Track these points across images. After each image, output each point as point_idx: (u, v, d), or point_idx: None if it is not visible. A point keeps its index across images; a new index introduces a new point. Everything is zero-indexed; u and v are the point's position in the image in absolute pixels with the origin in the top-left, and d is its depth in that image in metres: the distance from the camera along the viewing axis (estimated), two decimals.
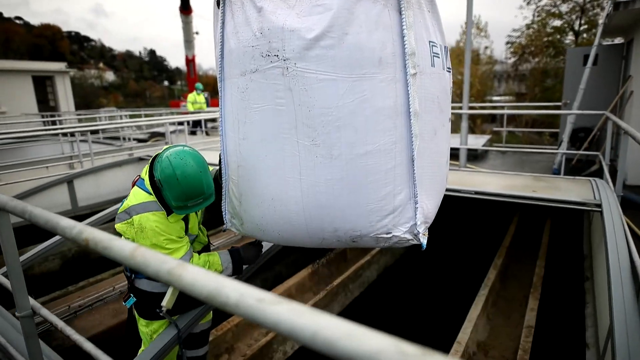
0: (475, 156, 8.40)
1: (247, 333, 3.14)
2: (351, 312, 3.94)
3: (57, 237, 2.86)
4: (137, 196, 1.76)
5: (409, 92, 1.57)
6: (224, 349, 2.93)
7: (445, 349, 2.92)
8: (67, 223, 0.94)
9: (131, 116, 14.94)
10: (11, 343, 1.65)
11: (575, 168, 6.44)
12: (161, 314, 1.80)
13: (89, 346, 1.17)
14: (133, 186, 1.84)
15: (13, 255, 1.35)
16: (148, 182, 1.78)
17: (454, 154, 7.50)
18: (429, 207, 1.74)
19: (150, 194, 1.76)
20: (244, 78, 1.69)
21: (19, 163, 6.69)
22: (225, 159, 1.89)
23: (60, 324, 1.29)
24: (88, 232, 0.86)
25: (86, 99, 36.34)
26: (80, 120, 13.15)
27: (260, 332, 3.19)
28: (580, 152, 5.97)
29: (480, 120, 15.01)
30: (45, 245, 2.73)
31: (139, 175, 1.86)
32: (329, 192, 1.65)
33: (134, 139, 10.73)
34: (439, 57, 1.69)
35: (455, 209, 6.17)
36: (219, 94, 1.86)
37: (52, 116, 13.27)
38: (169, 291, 1.87)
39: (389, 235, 1.69)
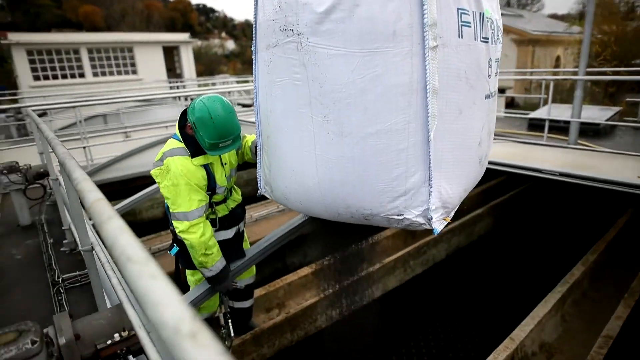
0: (596, 132, 7.11)
1: (298, 293, 3.37)
2: (409, 289, 3.88)
3: (146, 190, 3.42)
4: (170, 144, 2.03)
5: (427, 68, 1.43)
6: (275, 304, 3.21)
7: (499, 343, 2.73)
8: (80, 177, 1.15)
9: (239, 82, 16.20)
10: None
11: None
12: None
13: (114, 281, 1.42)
14: None
15: (75, 201, 1.68)
16: (178, 131, 2.03)
17: (564, 127, 6.46)
18: (449, 192, 1.61)
19: (180, 141, 2.01)
20: (268, 52, 1.74)
21: (142, 123, 7.96)
22: (259, 129, 2.00)
23: (103, 259, 1.58)
24: (81, 186, 1.06)
25: (210, 66, 40.12)
26: (199, 86, 14.79)
27: (311, 293, 3.39)
28: None
29: (615, 88, 12.26)
30: (136, 197, 3.29)
31: None
32: (340, 169, 1.64)
33: (239, 104, 11.65)
34: (469, 27, 1.49)
35: (551, 194, 5.41)
36: (253, 66, 1.95)
37: (175, 82, 15.18)
38: None
39: (400, 217, 1.63)
